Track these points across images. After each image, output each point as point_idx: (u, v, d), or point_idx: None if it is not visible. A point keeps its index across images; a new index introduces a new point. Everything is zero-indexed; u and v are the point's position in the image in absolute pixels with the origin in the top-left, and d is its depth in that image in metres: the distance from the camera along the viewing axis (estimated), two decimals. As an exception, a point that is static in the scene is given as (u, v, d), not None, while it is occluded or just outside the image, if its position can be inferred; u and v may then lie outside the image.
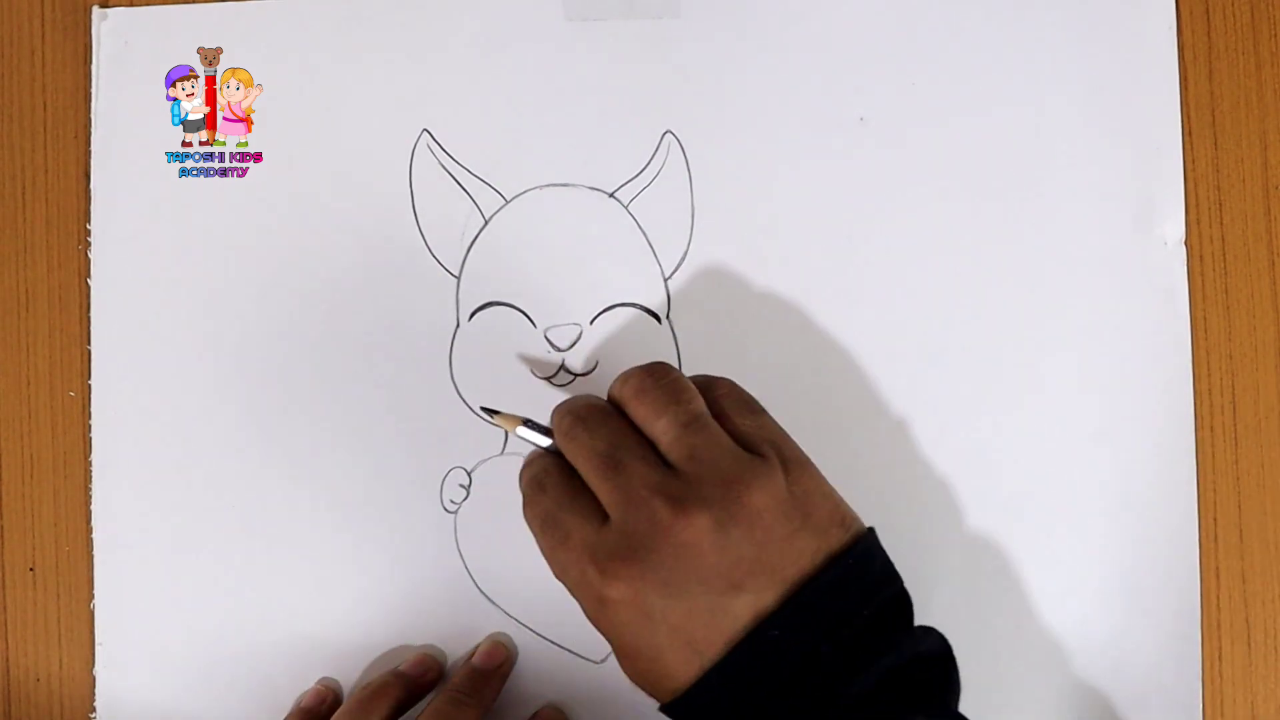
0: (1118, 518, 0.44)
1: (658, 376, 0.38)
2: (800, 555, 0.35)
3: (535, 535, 0.38)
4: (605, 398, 0.40)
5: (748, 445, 0.37)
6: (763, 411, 0.39)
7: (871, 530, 0.37)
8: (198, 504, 0.45)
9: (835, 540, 0.36)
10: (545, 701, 0.44)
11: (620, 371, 0.39)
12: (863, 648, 0.35)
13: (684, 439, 0.36)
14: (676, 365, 0.44)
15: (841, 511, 0.37)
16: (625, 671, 0.37)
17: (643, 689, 0.37)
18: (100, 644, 0.45)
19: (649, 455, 0.37)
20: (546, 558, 0.38)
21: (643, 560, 0.35)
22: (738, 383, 0.40)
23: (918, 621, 0.38)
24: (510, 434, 0.43)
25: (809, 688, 0.34)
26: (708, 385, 0.39)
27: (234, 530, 0.45)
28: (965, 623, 0.44)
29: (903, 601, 0.37)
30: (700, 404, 0.38)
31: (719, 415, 0.38)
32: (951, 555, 0.44)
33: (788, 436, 0.38)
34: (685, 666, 0.35)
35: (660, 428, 0.37)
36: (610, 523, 0.36)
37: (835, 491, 0.38)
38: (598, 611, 0.36)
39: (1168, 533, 0.44)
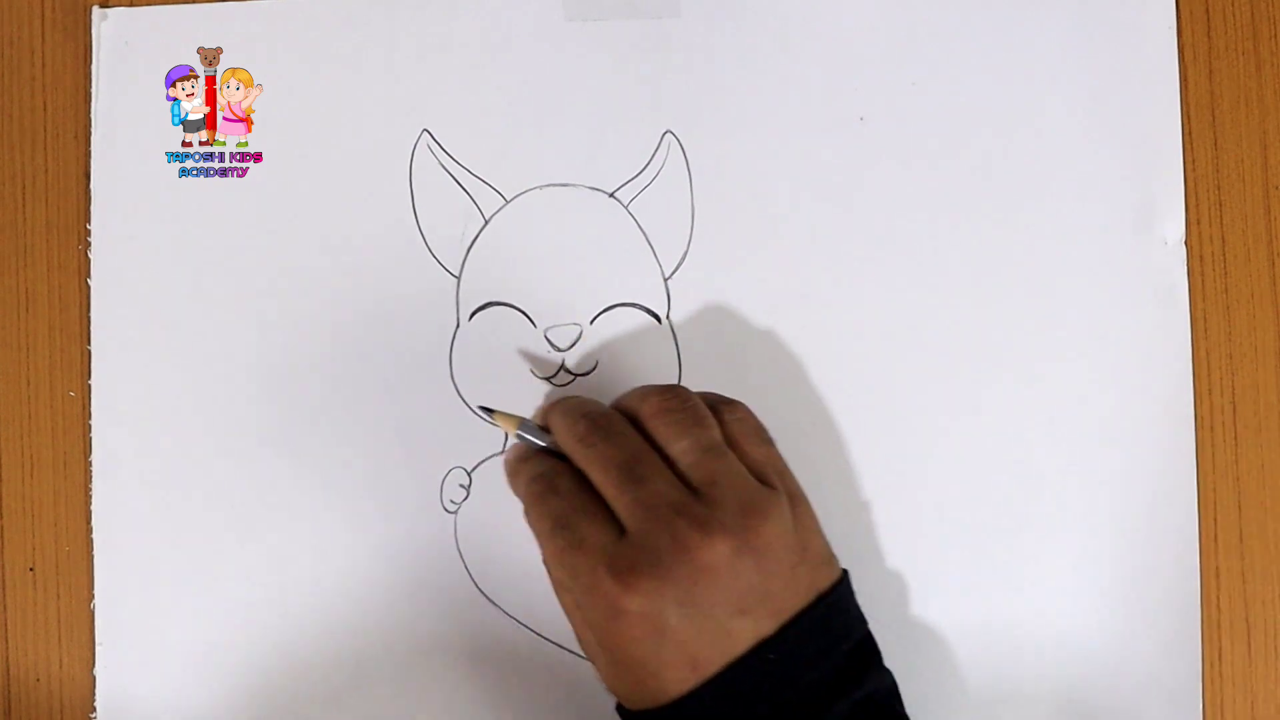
0: (1118, 518, 0.44)
1: (681, 398, 0.39)
2: (798, 588, 0.36)
3: (542, 537, 0.38)
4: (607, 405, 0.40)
5: (758, 474, 0.38)
6: (771, 442, 0.40)
7: (846, 572, 0.39)
8: (198, 504, 0.45)
9: (824, 578, 0.37)
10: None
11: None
12: (841, 678, 0.36)
13: (705, 463, 0.37)
14: (677, 365, 0.44)
15: (829, 550, 0.39)
16: (607, 678, 0.37)
17: (618, 694, 0.37)
18: (100, 644, 0.45)
19: (669, 474, 0.37)
20: (552, 561, 0.37)
21: (662, 576, 0.35)
22: (748, 406, 0.40)
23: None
24: (508, 434, 0.42)
25: (790, 711, 0.35)
26: (722, 407, 0.39)
27: (234, 530, 0.45)
28: (966, 623, 0.44)
29: (871, 641, 0.38)
30: (719, 432, 0.38)
31: (732, 441, 0.38)
32: (952, 555, 0.44)
33: (789, 469, 0.39)
34: (680, 683, 0.35)
35: (681, 448, 0.37)
36: (628, 535, 0.36)
37: (821, 529, 0.39)
38: (607, 621, 0.35)
39: (1168, 533, 0.44)
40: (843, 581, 0.38)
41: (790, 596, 0.36)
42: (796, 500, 0.38)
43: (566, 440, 0.39)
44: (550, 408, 0.40)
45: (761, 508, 0.36)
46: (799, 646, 0.36)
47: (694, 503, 0.36)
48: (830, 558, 0.38)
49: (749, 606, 0.35)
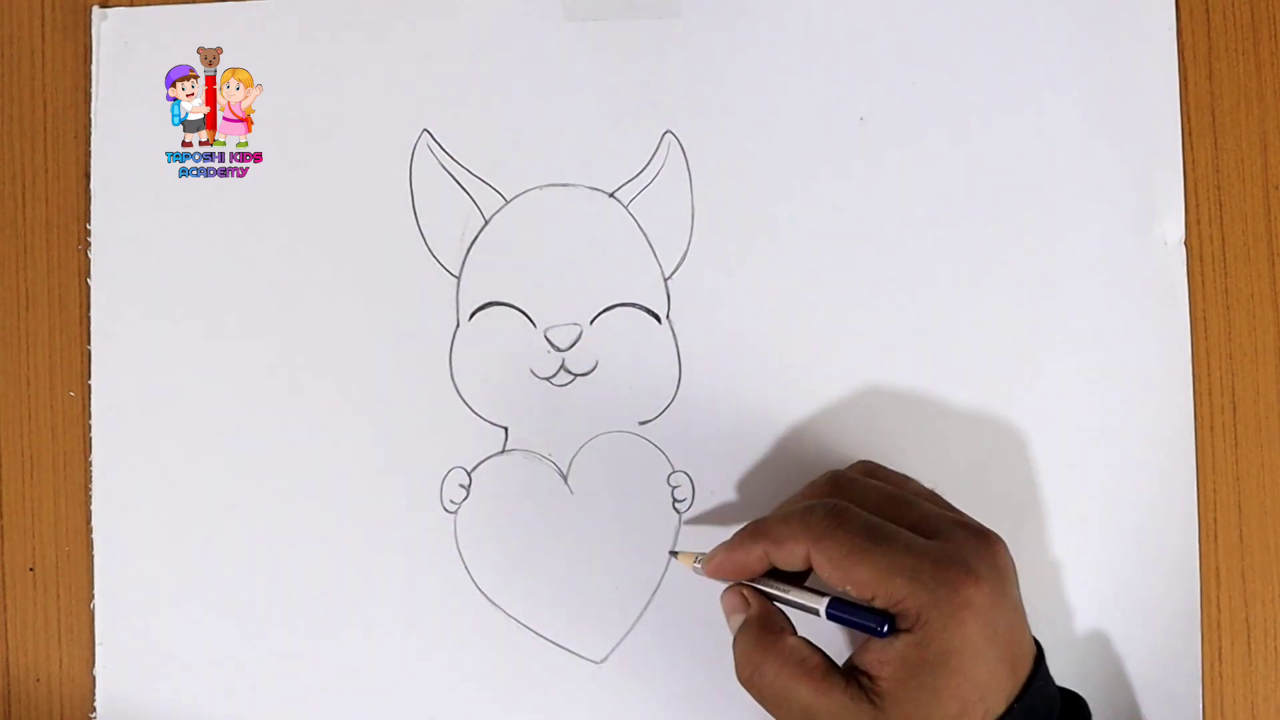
0: (1118, 518, 0.44)
1: (879, 466, 0.42)
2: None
3: (857, 546, 0.36)
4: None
5: None
6: None
7: None
8: (198, 504, 0.45)
9: None
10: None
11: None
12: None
13: (937, 497, 0.40)
14: (677, 365, 0.44)
15: None
16: (941, 690, 0.34)
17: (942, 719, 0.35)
18: (100, 644, 0.45)
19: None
20: (874, 566, 0.35)
21: (989, 572, 0.36)
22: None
23: None
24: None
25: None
26: (901, 480, 0.42)
27: (234, 530, 0.45)
28: (965, 623, 0.44)
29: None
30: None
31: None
32: (951, 555, 0.44)
33: None
34: (1007, 683, 0.35)
35: (913, 487, 0.41)
36: (936, 540, 0.36)
37: None
38: (960, 617, 0.34)
39: (1168, 533, 0.44)
40: None
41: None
42: None
43: (829, 491, 0.39)
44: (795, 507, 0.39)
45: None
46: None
47: (963, 517, 0.38)
48: None
49: (1023, 608, 0.37)
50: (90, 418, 0.46)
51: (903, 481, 0.41)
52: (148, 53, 0.46)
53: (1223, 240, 0.44)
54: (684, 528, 0.44)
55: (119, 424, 0.45)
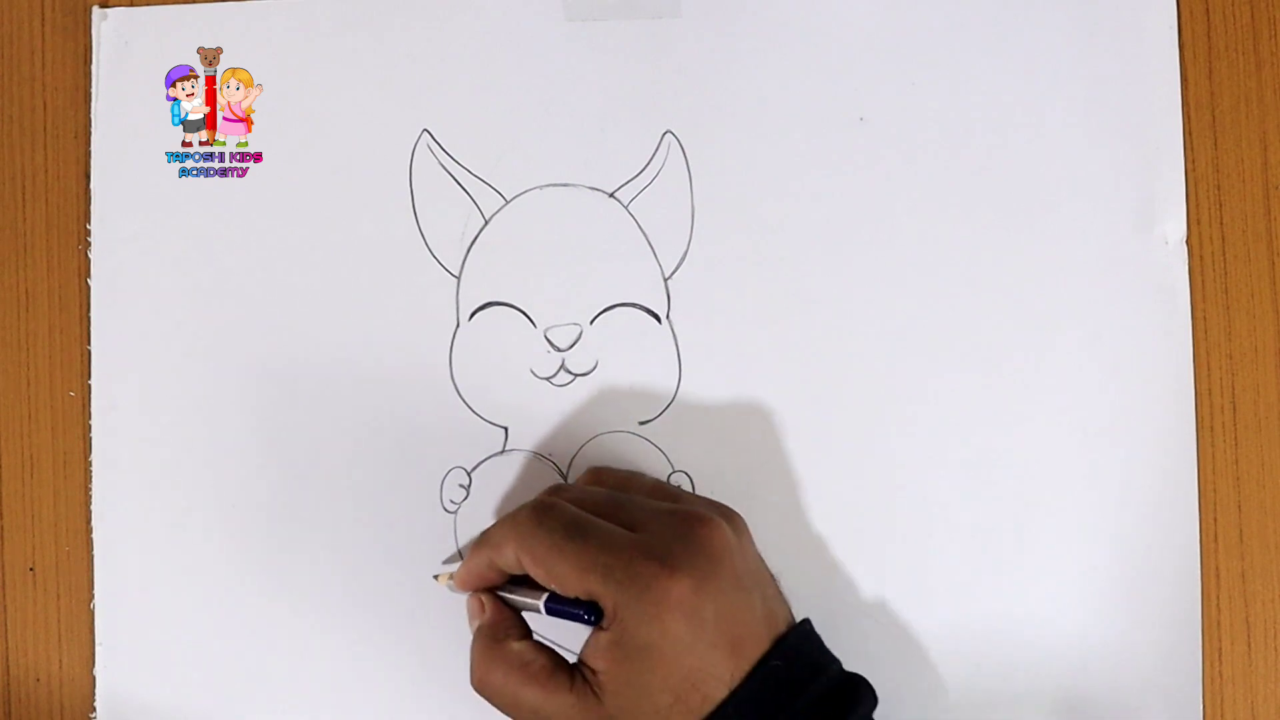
0: (1118, 518, 0.44)
1: (606, 469, 0.43)
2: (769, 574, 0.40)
3: (555, 544, 0.37)
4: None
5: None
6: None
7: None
8: (197, 504, 0.45)
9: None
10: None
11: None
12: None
13: (662, 487, 0.41)
14: (677, 365, 0.44)
15: None
16: (649, 682, 0.35)
17: (656, 710, 0.35)
18: (100, 644, 0.45)
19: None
20: (571, 563, 0.36)
21: (692, 559, 0.36)
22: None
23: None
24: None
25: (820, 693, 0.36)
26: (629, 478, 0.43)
27: (233, 530, 0.45)
28: (966, 622, 0.44)
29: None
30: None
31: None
32: (952, 555, 0.44)
33: None
34: (725, 668, 0.35)
35: (638, 483, 0.42)
36: (639, 532, 0.37)
37: None
38: (653, 611, 0.35)
39: (1168, 533, 0.44)
40: None
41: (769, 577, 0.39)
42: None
43: (538, 500, 0.39)
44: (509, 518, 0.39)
45: (724, 507, 0.40)
46: (811, 634, 0.38)
47: (678, 505, 0.38)
48: None
49: (753, 585, 0.37)
50: (90, 418, 0.46)
51: (626, 481, 0.42)
52: (148, 53, 0.46)
53: (1223, 240, 0.44)
54: (684, 528, 0.44)
55: (119, 424, 0.45)
